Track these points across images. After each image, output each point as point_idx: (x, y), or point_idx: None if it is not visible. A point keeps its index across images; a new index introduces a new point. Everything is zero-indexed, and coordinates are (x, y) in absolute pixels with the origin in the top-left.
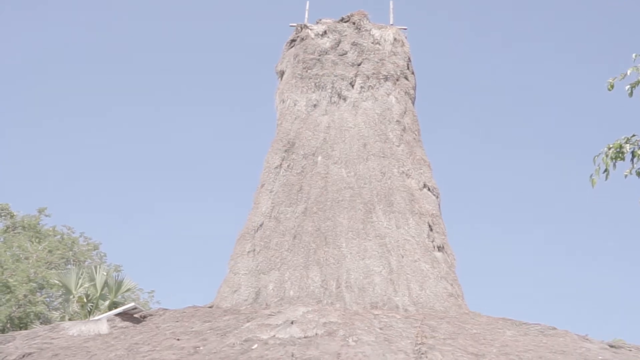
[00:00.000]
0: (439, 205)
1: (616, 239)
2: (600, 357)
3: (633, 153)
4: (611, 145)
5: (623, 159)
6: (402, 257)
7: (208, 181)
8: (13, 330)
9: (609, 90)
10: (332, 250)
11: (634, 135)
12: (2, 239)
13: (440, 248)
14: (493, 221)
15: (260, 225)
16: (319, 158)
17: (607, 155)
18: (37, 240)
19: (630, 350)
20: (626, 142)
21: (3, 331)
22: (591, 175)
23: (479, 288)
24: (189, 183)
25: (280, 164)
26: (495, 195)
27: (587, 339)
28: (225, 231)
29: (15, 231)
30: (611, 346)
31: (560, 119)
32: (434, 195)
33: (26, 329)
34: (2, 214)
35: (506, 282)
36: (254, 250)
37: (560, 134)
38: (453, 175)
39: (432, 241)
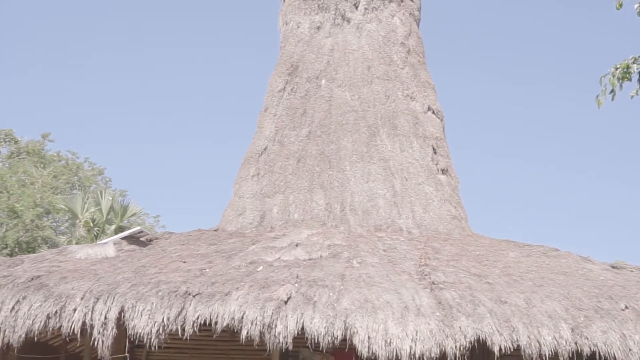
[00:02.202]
0: (443, 128)
1: (621, 160)
2: (601, 278)
3: None
4: (618, 66)
5: (630, 79)
6: (406, 180)
7: (213, 105)
8: (21, 255)
9: (618, 9)
10: (336, 174)
11: None
12: (7, 165)
13: (444, 171)
14: (497, 144)
15: (265, 149)
16: (323, 81)
17: (613, 76)
18: (42, 165)
19: (632, 271)
20: (634, 62)
21: (11, 255)
22: (597, 96)
23: (483, 211)
24: (194, 106)
25: (284, 88)
26: (500, 118)
27: (589, 260)
28: (229, 155)
29: (19, 157)
30: (612, 267)
31: (567, 39)
32: (438, 118)
33: (34, 253)
34: (7, 140)
35: (510, 205)
36: (259, 174)
37: (567, 55)
38: (457, 98)
39: (436, 164)
